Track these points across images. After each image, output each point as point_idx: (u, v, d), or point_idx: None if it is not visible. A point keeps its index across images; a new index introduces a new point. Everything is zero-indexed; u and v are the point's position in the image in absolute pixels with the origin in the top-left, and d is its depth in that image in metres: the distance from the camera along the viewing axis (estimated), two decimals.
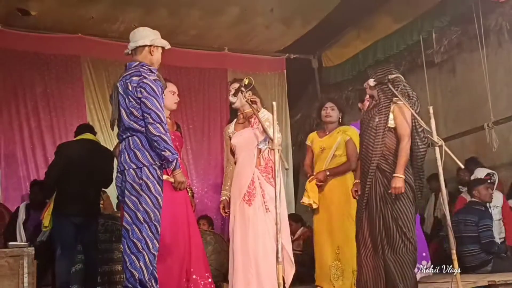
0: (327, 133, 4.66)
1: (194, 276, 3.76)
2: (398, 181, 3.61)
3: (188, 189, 4.00)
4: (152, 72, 3.31)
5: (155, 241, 3.17)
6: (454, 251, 3.55)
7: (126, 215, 3.20)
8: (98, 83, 6.90)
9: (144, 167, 3.19)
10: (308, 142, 4.81)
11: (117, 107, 3.33)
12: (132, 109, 3.25)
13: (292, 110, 8.27)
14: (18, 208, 5.72)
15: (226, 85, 3.94)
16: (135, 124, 3.25)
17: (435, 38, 6.53)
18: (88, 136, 4.90)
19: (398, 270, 3.60)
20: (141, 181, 3.17)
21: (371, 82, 3.92)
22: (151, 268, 3.13)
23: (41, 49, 6.65)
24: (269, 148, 3.56)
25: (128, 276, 3.13)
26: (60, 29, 6.62)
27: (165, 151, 3.18)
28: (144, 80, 3.23)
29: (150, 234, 3.15)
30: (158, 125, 3.18)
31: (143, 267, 3.10)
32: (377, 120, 3.84)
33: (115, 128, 3.41)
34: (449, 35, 6.46)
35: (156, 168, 3.23)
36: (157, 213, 3.19)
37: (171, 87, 3.97)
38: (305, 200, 4.49)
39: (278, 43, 7.75)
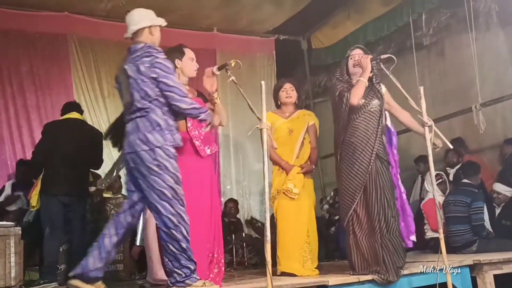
0: (287, 114, 4.54)
1: (215, 255, 3.69)
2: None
3: None
4: (160, 51, 3.32)
5: (186, 214, 3.24)
6: (441, 230, 3.59)
7: (151, 195, 3.21)
8: (85, 62, 6.82)
9: (157, 149, 3.21)
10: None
11: (128, 90, 3.30)
12: (147, 89, 3.25)
13: None
14: (4, 186, 5.67)
15: (215, 64, 3.86)
16: (149, 104, 3.26)
17: (424, 20, 6.51)
18: (74, 115, 4.85)
19: (396, 248, 3.78)
20: (156, 161, 3.19)
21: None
22: (189, 238, 3.23)
23: (27, 27, 6.53)
24: (257, 127, 3.53)
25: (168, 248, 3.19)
26: (46, 7, 6.51)
27: (200, 116, 3.31)
28: (157, 60, 3.26)
29: (181, 207, 3.22)
30: (185, 99, 3.27)
31: (185, 237, 3.19)
32: (375, 104, 3.86)
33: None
34: (438, 17, 6.46)
35: (169, 147, 3.25)
36: (180, 188, 3.26)
37: (189, 53, 3.83)
38: (293, 189, 4.35)
39: (267, 24, 7.70)
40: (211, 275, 3.59)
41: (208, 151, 3.71)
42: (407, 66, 6.57)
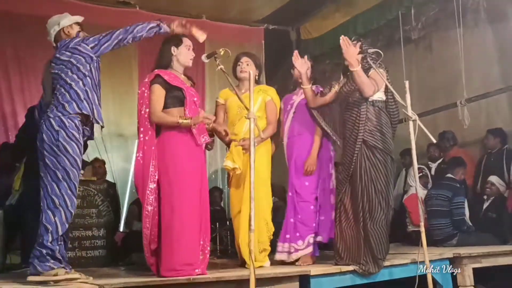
0: (243, 91, 4.23)
1: (201, 242, 3.64)
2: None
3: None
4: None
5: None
6: (422, 224, 3.64)
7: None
8: None
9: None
10: (220, 100, 4.43)
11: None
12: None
13: (268, 81, 8.21)
14: None
15: (203, 52, 3.83)
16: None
17: (413, 14, 6.54)
18: None
19: (378, 241, 3.77)
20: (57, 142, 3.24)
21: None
22: (66, 225, 3.22)
23: (12, 9, 6.41)
24: (245, 117, 3.52)
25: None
26: None
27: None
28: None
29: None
30: None
31: (58, 222, 3.17)
32: (358, 95, 3.89)
33: None
34: (427, 12, 6.50)
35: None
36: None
37: (187, 41, 3.80)
38: (229, 164, 4.09)
39: (257, 13, 7.67)
40: None
41: (203, 140, 3.72)
42: (395, 59, 6.60)
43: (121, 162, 7.25)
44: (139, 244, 4.70)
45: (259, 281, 3.22)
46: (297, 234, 4.23)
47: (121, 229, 6.53)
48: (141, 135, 3.66)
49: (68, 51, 3.39)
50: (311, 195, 4.28)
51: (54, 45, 3.57)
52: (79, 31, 3.56)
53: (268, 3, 7.33)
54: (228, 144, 4.29)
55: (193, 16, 7.42)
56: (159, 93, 3.64)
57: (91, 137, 3.52)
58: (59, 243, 3.22)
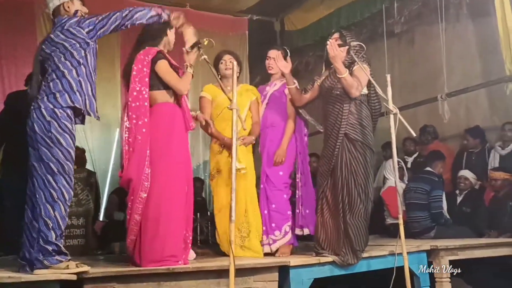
0: (229, 88, 4.13)
1: (184, 232, 3.64)
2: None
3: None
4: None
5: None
6: (400, 216, 3.69)
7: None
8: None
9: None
10: (207, 95, 4.42)
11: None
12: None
13: (252, 72, 8.21)
14: None
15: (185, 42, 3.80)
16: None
17: (396, 8, 6.58)
18: None
19: (356, 233, 3.81)
20: (50, 133, 3.12)
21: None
22: (66, 219, 3.16)
23: None
24: (228, 108, 3.51)
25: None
26: None
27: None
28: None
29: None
30: None
31: (58, 217, 3.09)
32: (340, 88, 3.90)
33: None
34: (410, 6, 6.53)
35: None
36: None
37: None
38: (239, 166, 3.99)
39: (241, 3, 7.62)
40: None
41: (193, 126, 3.73)
42: (377, 53, 6.64)
43: (101, 151, 7.18)
44: (118, 233, 4.69)
45: (239, 271, 3.25)
46: (273, 225, 4.26)
47: (101, 218, 6.49)
48: (134, 119, 3.48)
49: (62, 33, 3.22)
50: (283, 184, 4.33)
51: (52, 18, 3.37)
52: (78, 10, 3.34)
53: None
54: (211, 135, 4.31)
55: (176, 5, 7.35)
56: (170, 69, 3.57)
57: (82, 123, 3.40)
58: (62, 237, 3.16)
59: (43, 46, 3.29)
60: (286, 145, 4.33)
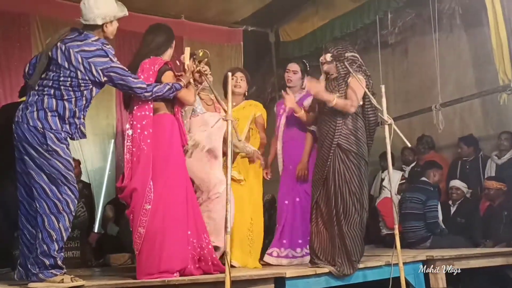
0: (234, 104, 4.24)
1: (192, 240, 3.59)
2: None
3: None
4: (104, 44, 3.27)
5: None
6: (396, 226, 3.68)
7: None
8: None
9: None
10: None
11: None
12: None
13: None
14: None
15: (182, 53, 3.82)
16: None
17: (390, 19, 6.63)
18: None
19: (352, 243, 3.80)
20: (45, 145, 3.07)
21: (328, 57, 3.97)
22: (69, 230, 3.13)
23: None
24: (223, 119, 3.53)
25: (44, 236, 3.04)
26: None
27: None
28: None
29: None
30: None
31: (62, 228, 3.05)
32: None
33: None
34: (404, 17, 6.58)
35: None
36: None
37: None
38: (235, 174, 4.19)
39: (236, 14, 7.65)
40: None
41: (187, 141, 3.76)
42: (372, 63, 6.66)
43: (96, 163, 7.16)
44: (113, 245, 4.66)
45: (235, 283, 3.22)
46: (299, 241, 4.36)
47: (96, 230, 6.45)
48: (139, 129, 3.45)
49: (83, 63, 3.15)
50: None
51: (82, 25, 3.25)
52: (108, 37, 3.30)
53: (247, 5, 7.32)
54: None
55: (172, 16, 7.39)
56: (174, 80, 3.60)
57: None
58: (63, 250, 3.13)
59: (58, 51, 3.19)
60: (306, 158, 4.39)
